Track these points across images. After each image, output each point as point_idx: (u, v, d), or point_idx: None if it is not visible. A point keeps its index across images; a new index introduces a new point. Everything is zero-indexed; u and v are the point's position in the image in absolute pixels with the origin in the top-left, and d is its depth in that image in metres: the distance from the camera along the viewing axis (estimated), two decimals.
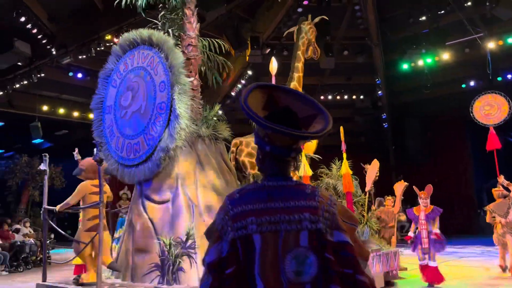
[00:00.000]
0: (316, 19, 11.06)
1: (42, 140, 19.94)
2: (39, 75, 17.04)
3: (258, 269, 1.74)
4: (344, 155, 8.49)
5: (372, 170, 9.33)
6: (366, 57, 20.04)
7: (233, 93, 20.52)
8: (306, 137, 1.87)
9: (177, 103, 5.82)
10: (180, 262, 5.59)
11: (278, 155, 1.87)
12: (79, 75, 18.27)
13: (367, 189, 9.28)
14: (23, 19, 15.11)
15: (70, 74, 18.15)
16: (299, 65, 9.75)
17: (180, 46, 6.94)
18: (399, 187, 10.32)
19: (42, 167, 6.34)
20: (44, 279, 6.95)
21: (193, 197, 6.24)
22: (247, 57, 19.52)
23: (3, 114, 18.85)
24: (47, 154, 7.03)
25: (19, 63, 16.68)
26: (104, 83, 6.81)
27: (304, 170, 6.98)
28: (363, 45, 19.95)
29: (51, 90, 18.82)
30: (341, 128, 8.90)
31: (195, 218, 6.12)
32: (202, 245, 5.81)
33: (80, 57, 17.51)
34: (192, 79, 6.82)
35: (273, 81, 6.92)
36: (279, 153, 1.86)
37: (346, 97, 21.30)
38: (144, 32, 6.44)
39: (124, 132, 6.28)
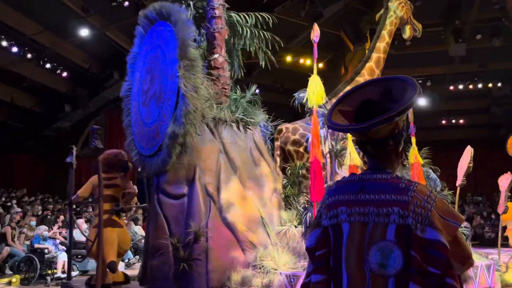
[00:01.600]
0: None
1: None
2: None
3: (344, 258, 1.75)
4: (414, 140, 6.50)
5: (464, 160, 7.52)
6: (504, 40, 17.15)
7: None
8: (353, 129, 1.82)
9: (182, 81, 4.86)
10: (184, 266, 4.70)
11: (364, 150, 1.85)
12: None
13: (458, 183, 7.52)
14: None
15: None
16: (381, 45, 8.22)
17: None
18: (505, 180, 8.15)
19: (68, 159, 6.03)
20: (68, 278, 6.48)
21: (213, 191, 5.27)
22: (367, 51, 18.16)
23: None
24: (73, 146, 6.31)
25: None
26: (132, 68, 6.06)
27: (350, 159, 5.56)
28: (500, 26, 17.12)
29: None
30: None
31: (212, 215, 5.14)
32: (216, 248, 4.97)
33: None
34: (216, 55, 5.84)
35: (315, 50, 5.89)
36: (361, 148, 1.85)
37: (480, 86, 18.39)
38: (156, 5, 5.60)
39: (144, 119, 5.53)
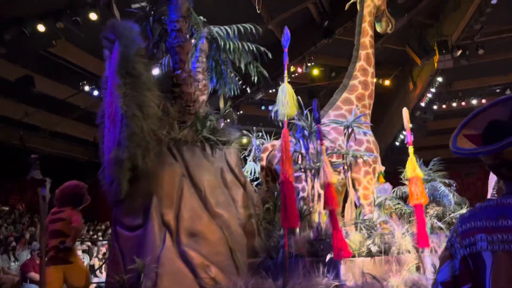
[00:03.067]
0: None
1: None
2: (238, 112, 17.86)
3: None
4: (411, 150, 5.22)
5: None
6: None
7: (422, 104, 17.50)
8: (484, 152, 1.62)
9: (123, 100, 4.27)
10: None
11: (499, 174, 1.69)
12: (271, 107, 18.51)
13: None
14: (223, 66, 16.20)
15: (263, 108, 18.58)
16: (366, 40, 6.71)
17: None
18: None
19: (43, 192, 5.31)
20: None
21: (170, 221, 4.44)
22: (436, 64, 16.53)
23: None
24: (47, 178, 5.92)
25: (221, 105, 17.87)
26: (105, 93, 5.38)
27: (325, 176, 4.47)
28: None
29: (248, 124, 19.55)
30: (405, 111, 5.62)
31: (167, 248, 4.30)
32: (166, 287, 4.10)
33: (270, 91, 17.83)
34: (178, 72, 5.17)
35: (285, 56, 4.99)
36: (496, 172, 1.70)
37: None
38: (109, 23, 5.04)
39: (108, 145, 4.85)
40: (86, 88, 15.60)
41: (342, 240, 4.08)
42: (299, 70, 17.65)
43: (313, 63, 17.55)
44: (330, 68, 18.00)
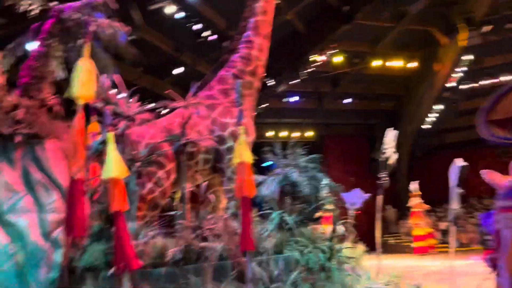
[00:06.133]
0: None
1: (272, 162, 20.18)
2: (262, 106, 17.26)
3: None
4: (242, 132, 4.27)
5: None
6: None
7: (450, 84, 16.33)
8: None
9: None
10: None
11: None
12: (295, 98, 18.12)
13: None
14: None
15: (285, 99, 18.12)
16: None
17: None
18: None
19: None
20: None
21: None
22: (463, 41, 15.42)
23: None
24: None
25: None
26: None
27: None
28: None
29: (272, 117, 18.99)
30: None
31: None
32: None
33: (291, 82, 17.15)
34: None
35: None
36: None
37: None
38: None
39: None
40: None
41: (127, 249, 3.33)
42: (321, 58, 16.80)
43: (334, 51, 16.64)
44: (353, 54, 17.10)
